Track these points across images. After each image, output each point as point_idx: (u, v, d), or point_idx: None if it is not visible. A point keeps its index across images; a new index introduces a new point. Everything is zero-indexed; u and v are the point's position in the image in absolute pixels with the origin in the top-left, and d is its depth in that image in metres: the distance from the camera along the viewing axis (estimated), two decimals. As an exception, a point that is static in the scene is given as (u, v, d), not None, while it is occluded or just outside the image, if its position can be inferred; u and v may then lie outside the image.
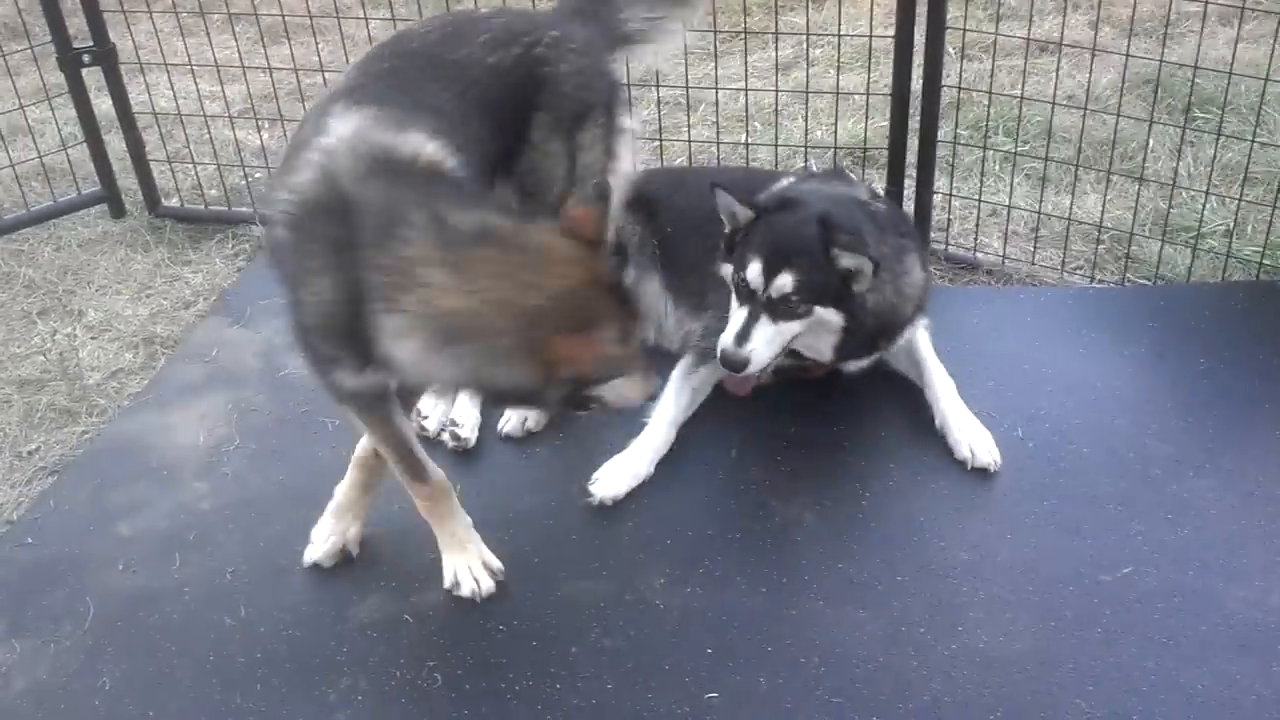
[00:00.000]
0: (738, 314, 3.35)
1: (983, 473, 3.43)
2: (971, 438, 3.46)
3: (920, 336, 3.68)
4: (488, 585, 3.16)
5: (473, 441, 3.63)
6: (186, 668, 3.03)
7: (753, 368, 3.31)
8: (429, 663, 2.99)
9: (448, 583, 3.18)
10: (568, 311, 2.50)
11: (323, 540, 3.28)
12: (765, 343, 3.31)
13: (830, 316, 3.34)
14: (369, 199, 2.60)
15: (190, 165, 5.14)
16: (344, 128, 2.76)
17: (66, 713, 2.93)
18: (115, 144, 5.12)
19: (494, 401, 2.81)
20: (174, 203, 5.09)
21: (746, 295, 3.34)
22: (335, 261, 2.61)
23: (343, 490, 3.30)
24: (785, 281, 3.28)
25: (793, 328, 3.34)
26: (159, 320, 4.39)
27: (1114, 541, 3.21)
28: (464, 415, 3.66)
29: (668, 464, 3.51)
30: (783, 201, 3.46)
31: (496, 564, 3.20)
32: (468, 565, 3.18)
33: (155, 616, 3.17)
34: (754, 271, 3.31)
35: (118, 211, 5.08)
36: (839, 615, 3.06)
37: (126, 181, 5.12)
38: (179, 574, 3.29)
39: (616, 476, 3.44)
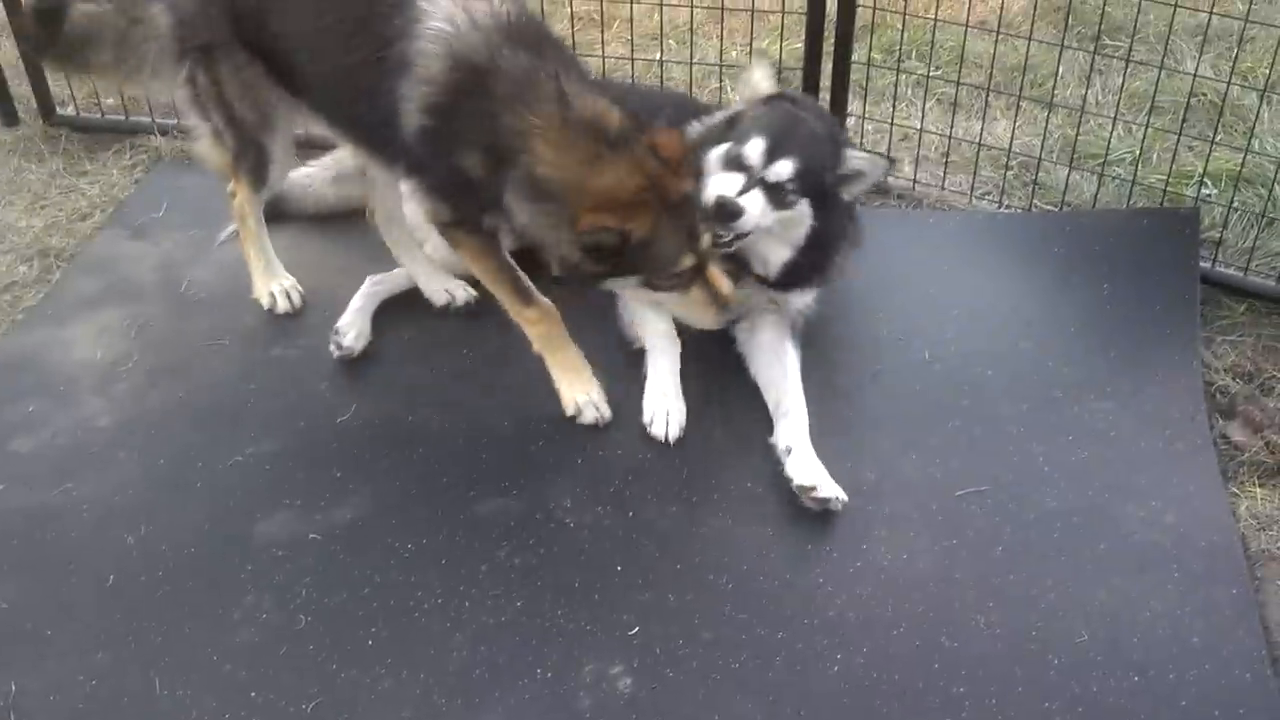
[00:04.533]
0: (729, 177, 3.28)
1: (890, 402, 3.46)
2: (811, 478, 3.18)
3: (791, 354, 3.51)
4: (608, 413, 3.36)
5: (357, 350, 3.62)
6: (86, 587, 2.98)
7: (744, 223, 3.24)
8: (335, 582, 2.97)
9: (570, 411, 3.36)
10: (612, 198, 2.93)
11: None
12: (757, 208, 3.26)
13: (806, 217, 3.34)
14: (505, 69, 3.02)
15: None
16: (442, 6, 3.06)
17: (-41, 634, 2.87)
18: (7, 49, 4.92)
19: (563, 269, 3.13)
20: (69, 111, 4.90)
21: (739, 169, 3.29)
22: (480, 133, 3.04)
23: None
24: (786, 167, 3.27)
25: (779, 215, 3.31)
26: (54, 232, 4.25)
27: (1016, 462, 3.27)
28: (348, 323, 3.65)
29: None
30: (790, 98, 3.47)
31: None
32: (588, 394, 3.36)
33: (53, 535, 3.10)
34: (755, 148, 3.27)
35: (10, 120, 4.88)
36: (747, 534, 3.09)
37: (20, 89, 4.92)
38: (77, 492, 3.22)
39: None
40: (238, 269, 3.90)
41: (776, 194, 3.28)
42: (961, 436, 3.36)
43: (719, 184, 3.25)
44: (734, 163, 3.30)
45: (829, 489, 3.13)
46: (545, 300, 3.35)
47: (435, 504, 3.17)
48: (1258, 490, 3.25)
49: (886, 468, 3.26)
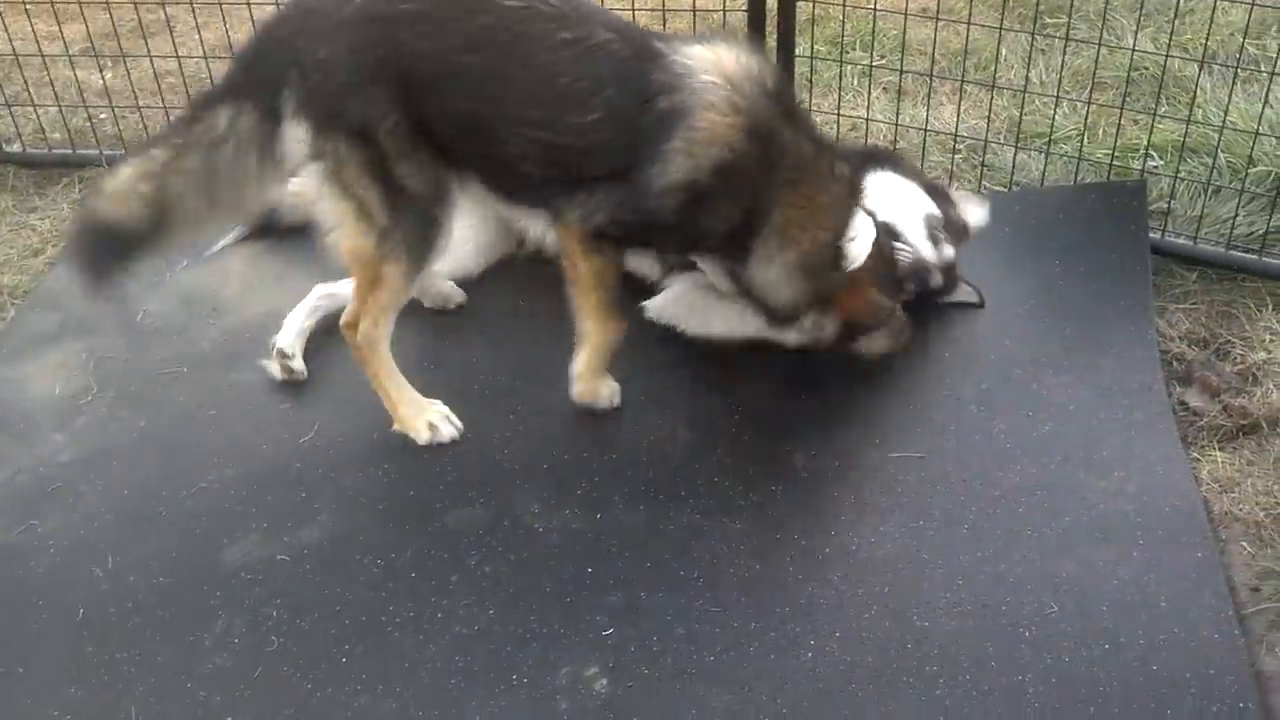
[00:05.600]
0: (928, 245, 3.60)
1: (850, 387, 3.50)
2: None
3: None
4: (618, 401, 3.47)
5: (305, 373, 3.59)
6: (56, 623, 2.95)
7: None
8: (305, 602, 2.96)
9: (586, 399, 3.45)
10: (876, 275, 3.25)
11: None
12: None
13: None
14: (788, 143, 3.03)
15: (31, 108, 4.93)
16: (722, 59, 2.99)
17: (-70, 676, 2.84)
18: (-52, 90, 4.89)
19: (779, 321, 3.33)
20: (15, 148, 4.87)
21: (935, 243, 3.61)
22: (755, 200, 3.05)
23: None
24: (938, 280, 3.64)
25: None
26: (6, 270, 4.22)
27: (977, 441, 3.30)
28: (293, 344, 3.61)
29: (538, 387, 3.50)
30: (968, 233, 3.78)
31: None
32: (610, 388, 3.46)
33: (20, 572, 3.07)
34: (943, 254, 3.63)
35: (-44, 160, 4.86)
36: (715, 527, 3.09)
37: (-37, 128, 4.90)
38: (42, 528, 3.18)
39: None
40: (192, 297, 3.89)
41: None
42: (922, 418, 3.38)
43: (923, 247, 3.59)
44: (934, 236, 3.61)
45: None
46: (623, 318, 3.37)
47: (403, 518, 3.16)
48: (1218, 454, 3.29)
49: (850, 453, 3.29)
